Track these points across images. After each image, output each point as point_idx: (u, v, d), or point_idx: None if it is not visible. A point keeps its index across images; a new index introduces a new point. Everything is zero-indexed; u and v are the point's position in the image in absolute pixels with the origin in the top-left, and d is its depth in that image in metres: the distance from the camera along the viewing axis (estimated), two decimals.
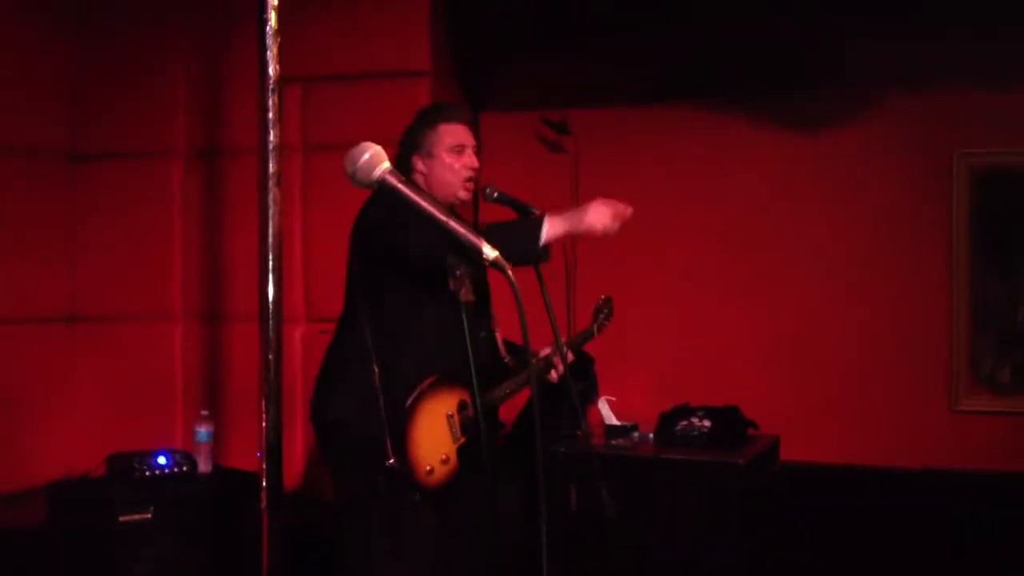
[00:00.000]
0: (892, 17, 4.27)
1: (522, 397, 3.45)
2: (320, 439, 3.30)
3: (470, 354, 2.38)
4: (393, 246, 3.04)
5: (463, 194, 3.25)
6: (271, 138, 2.02)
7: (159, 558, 4.08)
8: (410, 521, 3.08)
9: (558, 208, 3.10)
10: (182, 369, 4.91)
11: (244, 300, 4.69)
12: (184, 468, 4.31)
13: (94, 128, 4.97)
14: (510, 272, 2.17)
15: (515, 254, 2.53)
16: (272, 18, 2.04)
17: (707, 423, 4.33)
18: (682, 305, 4.74)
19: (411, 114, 3.39)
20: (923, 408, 4.47)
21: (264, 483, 2.06)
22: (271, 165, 2.02)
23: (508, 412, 3.56)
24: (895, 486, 4.40)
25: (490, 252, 2.16)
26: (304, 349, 4.64)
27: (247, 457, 4.35)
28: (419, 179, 3.25)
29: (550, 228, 3.00)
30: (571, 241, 4.57)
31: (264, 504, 2.06)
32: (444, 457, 3.11)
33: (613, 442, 4.38)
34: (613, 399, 4.52)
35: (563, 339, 3.29)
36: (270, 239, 2.04)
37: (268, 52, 2.02)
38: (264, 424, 2.07)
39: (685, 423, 4.37)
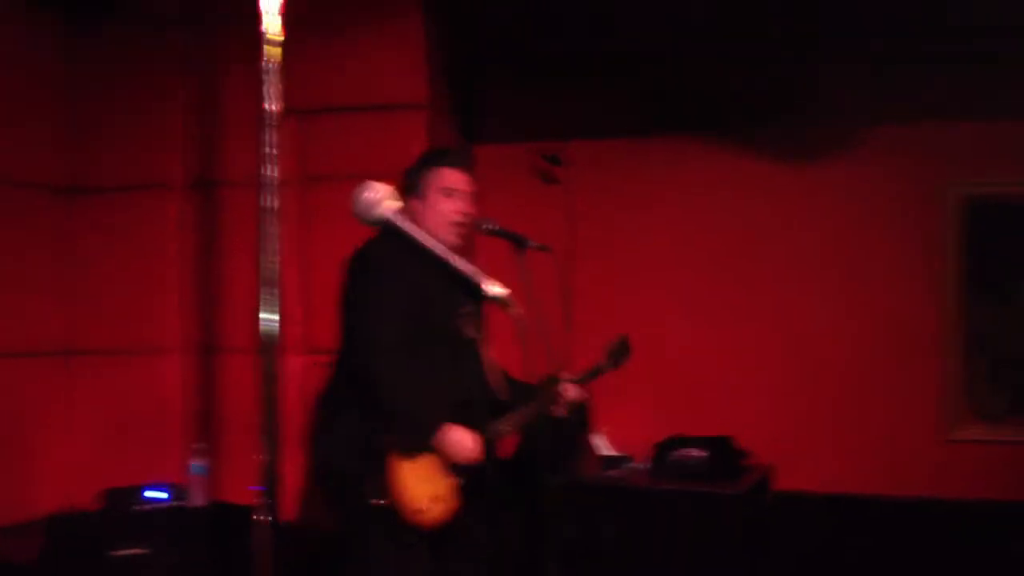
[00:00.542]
0: (882, 52, 4.34)
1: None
2: (315, 477, 3.31)
3: (478, 387, 2.38)
4: (351, 325, 3.13)
5: (451, 238, 3.25)
6: (269, 172, 2.05)
7: None
8: (405, 561, 3.07)
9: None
10: (178, 402, 4.90)
11: (240, 332, 4.69)
12: (179, 502, 4.29)
13: (91, 162, 4.99)
14: (512, 309, 2.19)
15: (410, 435, 2.86)
16: (272, 55, 2.07)
17: (702, 453, 4.33)
18: (676, 335, 4.75)
19: (406, 147, 3.42)
20: (916, 437, 4.49)
21: (260, 517, 2.07)
22: (269, 199, 2.05)
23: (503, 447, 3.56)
24: (888, 515, 4.41)
25: (490, 288, 2.19)
26: (302, 381, 4.64)
27: (243, 490, 4.35)
28: (414, 220, 3.28)
29: (442, 438, 3.06)
30: (564, 275, 4.60)
31: (260, 538, 2.07)
32: (436, 496, 3.10)
33: (608, 473, 4.38)
34: (608, 429, 4.52)
35: (563, 373, 3.31)
36: (268, 272, 2.07)
37: (267, 88, 2.05)
38: (261, 458, 2.09)
39: (680, 454, 4.37)
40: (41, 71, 4.88)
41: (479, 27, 4.74)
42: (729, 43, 4.53)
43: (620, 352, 3.65)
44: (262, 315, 2.08)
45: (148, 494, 4.23)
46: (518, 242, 3.26)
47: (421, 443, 3.06)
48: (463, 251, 3.34)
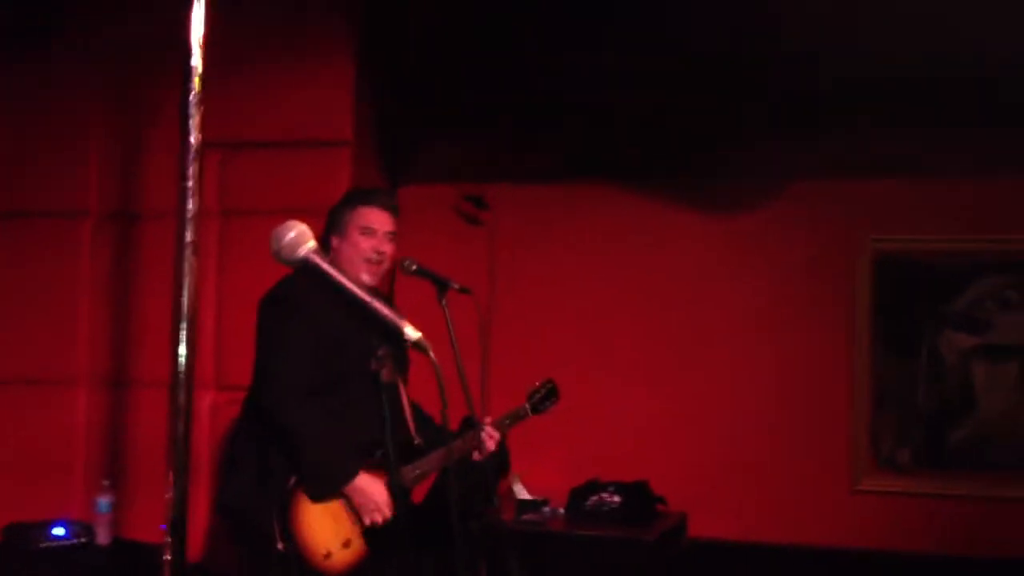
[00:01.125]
0: (802, 114, 4.47)
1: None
2: (222, 517, 3.26)
3: (389, 432, 2.37)
4: (260, 364, 3.14)
5: (366, 277, 3.25)
6: (190, 206, 2.02)
7: None
8: None
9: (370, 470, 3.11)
10: (84, 436, 4.77)
11: (151, 366, 4.59)
12: (82, 540, 4.17)
13: (5, 187, 4.87)
14: (432, 354, 2.20)
15: (317, 482, 2.92)
16: (195, 86, 2.05)
17: (617, 499, 4.36)
18: (594, 380, 4.78)
19: (331, 184, 3.42)
20: (825, 487, 4.56)
21: (166, 556, 2.02)
22: (189, 233, 2.02)
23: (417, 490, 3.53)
24: (798, 564, 4.46)
25: (412, 333, 2.19)
26: (212, 418, 4.55)
27: (149, 529, 4.23)
28: (334, 258, 3.27)
29: (353, 488, 3.06)
30: (485, 318, 4.60)
31: None
32: (345, 541, 3.06)
33: (524, 517, 4.37)
34: (525, 473, 4.52)
35: (482, 417, 3.30)
36: (184, 307, 2.03)
37: (190, 120, 2.03)
38: (170, 495, 2.04)
39: (596, 498, 4.39)
40: None
41: (407, 69, 4.76)
42: (653, 93, 4.62)
43: (545, 398, 3.66)
44: (175, 349, 2.03)
45: (51, 531, 4.10)
46: (440, 283, 3.27)
47: (327, 491, 3.02)
48: (384, 292, 3.33)
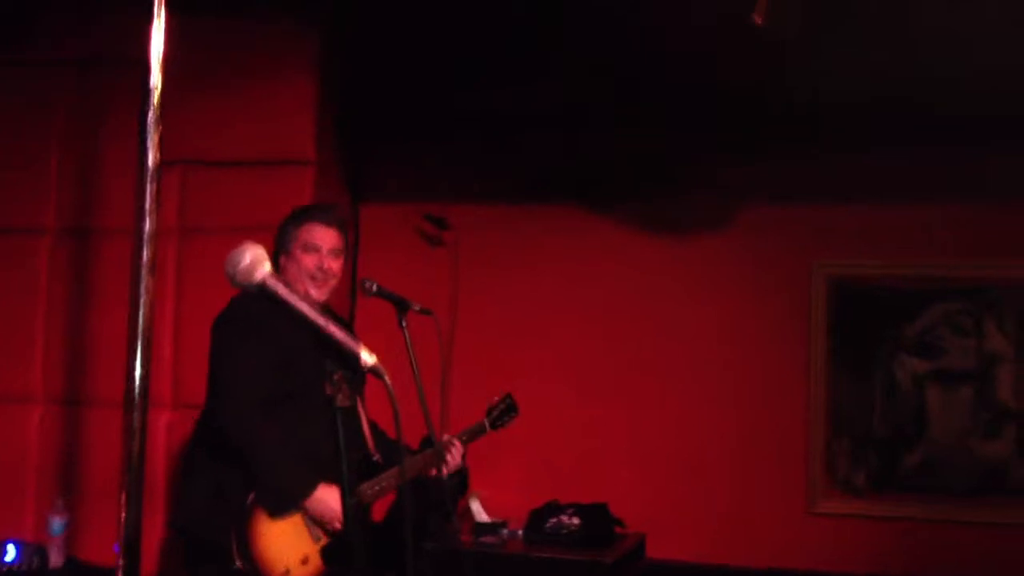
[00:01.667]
0: (756, 139, 4.53)
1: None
2: (177, 536, 3.23)
3: (344, 458, 2.36)
4: (214, 383, 3.13)
5: (313, 292, 3.25)
6: (147, 226, 2.00)
7: None
8: None
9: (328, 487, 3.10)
10: (37, 455, 4.70)
11: (107, 384, 4.55)
12: (35, 562, 4.10)
13: None
14: (387, 379, 2.19)
15: (275, 497, 2.91)
16: (154, 105, 2.04)
17: (576, 520, 4.35)
18: (554, 401, 4.79)
19: (292, 203, 3.42)
20: (782, 510, 4.59)
21: None
22: (145, 253, 2.00)
23: (378, 507, 3.52)
24: None
25: (368, 358, 2.18)
26: (168, 437, 4.50)
27: (104, 550, 4.18)
28: (283, 277, 3.27)
29: (312, 499, 3.05)
30: (446, 338, 4.60)
31: None
32: (303, 557, 3.04)
33: (482, 539, 4.35)
34: (484, 494, 4.51)
35: (443, 435, 3.30)
36: (140, 326, 2.01)
37: (149, 140, 2.01)
38: (123, 516, 2.01)
39: (555, 520, 4.38)
40: None
41: (370, 88, 4.77)
42: (611, 117, 4.67)
43: (504, 413, 3.66)
44: (130, 368, 2.01)
45: (3, 553, 4.03)
46: (400, 304, 3.27)
47: (286, 505, 3.01)
48: (342, 311, 3.33)
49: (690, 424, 4.71)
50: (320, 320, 2.21)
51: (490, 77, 4.52)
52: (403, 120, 4.83)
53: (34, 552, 4.13)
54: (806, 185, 4.64)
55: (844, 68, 4.06)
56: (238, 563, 2.92)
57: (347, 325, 3.71)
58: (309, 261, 3.25)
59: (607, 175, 4.82)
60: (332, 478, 3.05)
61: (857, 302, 4.61)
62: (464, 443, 3.51)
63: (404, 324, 3.24)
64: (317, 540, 3.09)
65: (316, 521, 3.06)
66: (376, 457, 3.29)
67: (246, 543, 2.95)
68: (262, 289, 2.16)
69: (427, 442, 3.38)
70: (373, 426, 3.43)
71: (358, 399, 3.33)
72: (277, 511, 3.00)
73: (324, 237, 3.29)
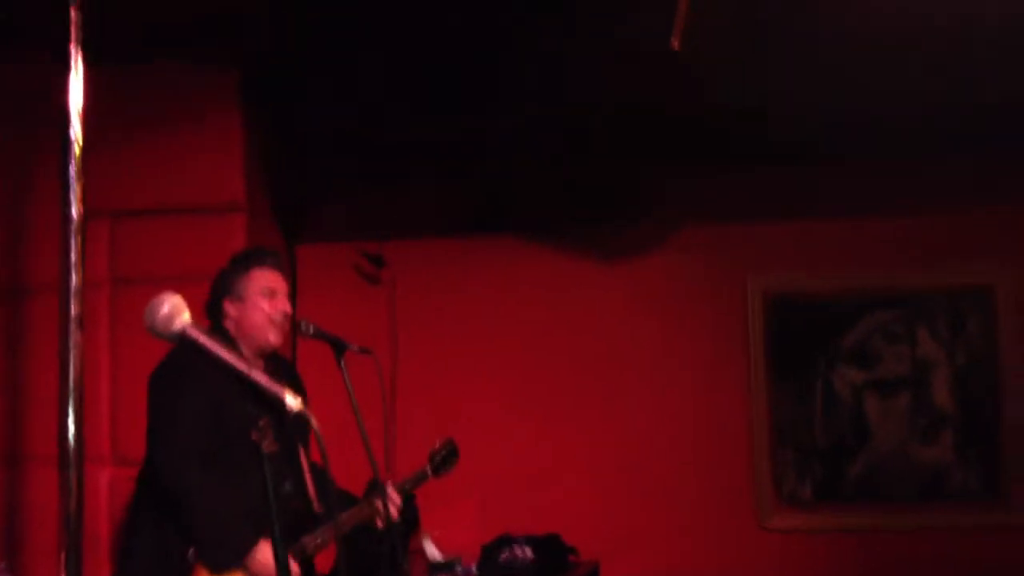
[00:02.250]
0: (690, 157, 4.59)
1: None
2: None
3: (272, 505, 2.31)
4: (151, 438, 3.08)
5: (273, 338, 3.25)
6: (73, 280, 1.98)
7: None
8: None
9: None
10: None
11: (45, 441, 4.42)
12: None
13: None
14: (315, 423, 2.17)
15: (215, 552, 2.86)
16: (76, 157, 2.02)
17: (529, 552, 4.34)
18: (501, 434, 4.78)
19: (225, 249, 3.38)
20: (734, 527, 4.62)
21: None
22: (74, 307, 1.98)
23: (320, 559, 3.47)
24: None
25: (293, 403, 2.16)
26: (111, 494, 4.41)
27: None
28: (230, 325, 3.25)
29: (253, 557, 3.00)
30: (387, 376, 4.58)
31: None
32: None
33: None
34: (436, 533, 4.47)
35: (387, 479, 3.27)
36: (71, 382, 1.98)
37: (72, 192, 1.99)
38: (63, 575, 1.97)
39: (508, 554, 4.36)
40: None
41: (299, 127, 4.75)
42: (551, 147, 4.70)
43: (445, 459, 3.65)
44: (63, 425, 1.98)
45: None
46: (338, 346, 3.24)
47: (227, 561, 2.96)
48: (286, 354, 3.29)
49: (637, 446, 4.73)
50: (243, 366, 2.19)
51: (424, 113, 4.53)
52: (336, 158, 4.82)
53: None
54: (740, 204, 4.71)
55: (775, 85, 4.13)
56: None
57: (291, 368, 3.67)
58: (271, 307, 3.24)
59: (542, 205, 4.85)
60: (270, 530, 3.00)
61: (794, 315, 4.68)
62: (407, 491, 3.50)
63: (343, 365, 3.21)
64: None
65: None
66: (317, 508, 3.24)
67: None
68: (182, 338, 2.13)
69: (373, 485, 3.34)
70: (319, 473, 3.38)
71: (300, 446, 3.28)
72: (217, 568, 2.94)
73: (278, 281, 3.30)
